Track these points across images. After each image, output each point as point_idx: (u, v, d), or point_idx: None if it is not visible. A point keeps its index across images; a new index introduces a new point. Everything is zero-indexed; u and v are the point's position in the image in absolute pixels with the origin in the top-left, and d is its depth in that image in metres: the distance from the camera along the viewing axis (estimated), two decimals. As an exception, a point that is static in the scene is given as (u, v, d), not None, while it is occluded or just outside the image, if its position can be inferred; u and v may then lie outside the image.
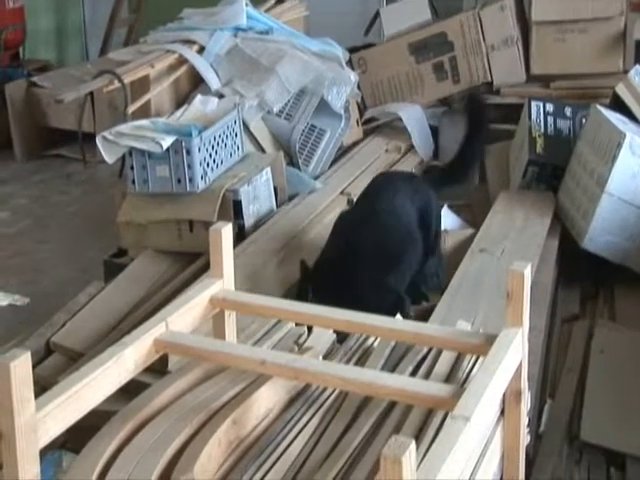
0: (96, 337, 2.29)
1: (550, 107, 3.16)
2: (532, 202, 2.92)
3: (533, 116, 3.12)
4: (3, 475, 1.24)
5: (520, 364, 1.46)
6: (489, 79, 3.70)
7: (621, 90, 2.94)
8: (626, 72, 3.23)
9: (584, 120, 3.05)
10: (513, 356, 1.42)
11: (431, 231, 2.52)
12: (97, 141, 2.69)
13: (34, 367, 2.21)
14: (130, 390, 1.49)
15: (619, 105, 2.92)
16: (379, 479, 1.05)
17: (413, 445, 1.04)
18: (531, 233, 2.71)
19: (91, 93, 3.27)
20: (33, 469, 1.25)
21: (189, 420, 1.39)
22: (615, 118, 2.76)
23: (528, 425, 1.58)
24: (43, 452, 1.29)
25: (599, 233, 2.67)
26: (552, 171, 2.99)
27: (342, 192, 3.08)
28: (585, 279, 2.78)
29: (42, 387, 1.34)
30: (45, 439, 1.27)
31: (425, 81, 3.76)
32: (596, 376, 2.19)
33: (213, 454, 1.33)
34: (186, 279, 2.51)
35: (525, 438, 1.54)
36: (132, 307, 2.45)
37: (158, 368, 1.76)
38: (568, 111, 3.16)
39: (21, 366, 1.21)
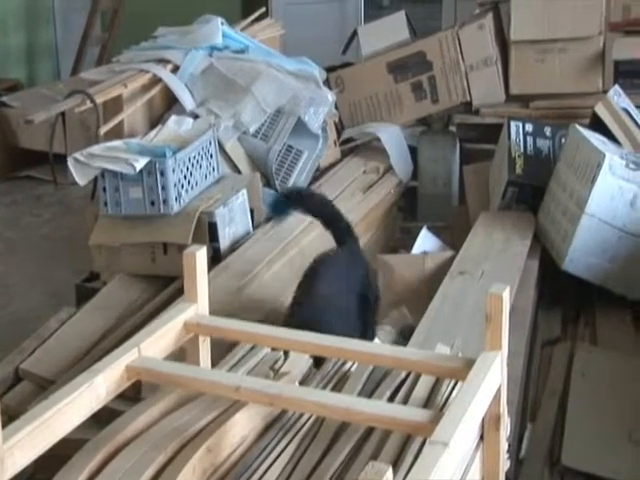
0: (67, 364, 2.25)
1: (529, 127, 3.16)
2: (512, 223, 2.91)
3: (512, 136, 3.11)
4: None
5: (499, 388, 1.44)
6: (468, 99, 3.69)
7: (600, 110, 2.94)
8: (605, 92, 3.24)
9: (564, 140, 3.05)
10: (492, 380, 1.41)
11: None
12: (68, 162, 2.65)
13: (2, 395, 2.17)
14: (102, 418, 1.47)
15: (598, 125, 2.92)
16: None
17: (390, 472, 1.04)
18: (511, 255, 2.70)
19: (62, 113, 3.21)
20: None
21: (163, 448, 1.36)
22: (594, 138, 2.76)
23: (508, 450, 1.56)
24: None
25: (579, 255, 2.66)
26: (532, 192, 2.99)
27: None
28: (566, 301, 2.76)
29: (10, 416, 1.31)
30: (12, 470, 1.24)
31: (404, 101, 3.74)
32: (577, 400, 2.18)
33: None
34: (160, 304, 2.47)
35: (505, 463, 1.52)
36: (104, 333, 2.41)
37: (131, 395, 1.73)
38: (548, 131, 3.16)
39: None
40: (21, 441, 1.25)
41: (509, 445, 1.56)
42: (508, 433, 1.53)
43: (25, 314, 3.01)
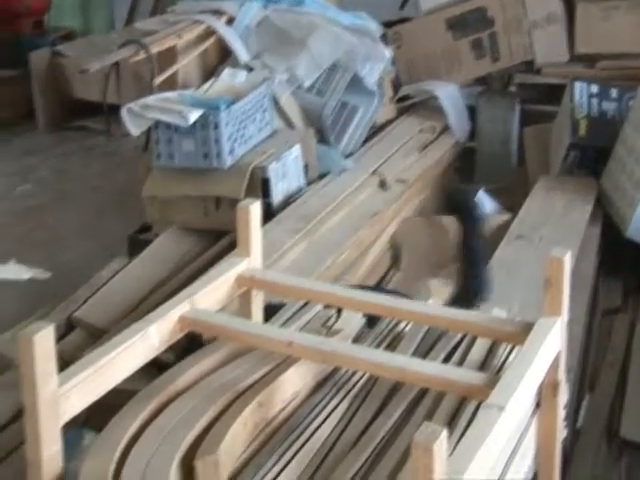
0: (119, 314, 2.26)
1: (595, 88, 3.05)
2: (573, 187, 2.84)
3: (576, 97, 3.01)
4: (25, 450, 1.23)
5: (558, 354, 1.41)
6: (530, 57, 3.57)
7: (671, 71, 2.82)
8: (677, 52, 3.11)
9: (631, 102, 2.94)
10: (551, 345, 1.38)
11: None
12: (122, 113, 2.65)
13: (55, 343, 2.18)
14: (153, 370, 1.48)
15: (669, 87, 2.80)
16: (409, 467, 1.04)
17: (445, 433, 1.01)
18: (571, 220, 2.64)
19: (116, 63, 3.20)
20: (55, 444, 1.24)
21: (214, 401, 1.36)
22: (664, 100, 2.65)
23: (565, 419, 1.53)
24: (64, 429, 1.26)
25: (645, 222, 2.57)
26: (595, 155, 2.89)
27: (374, 172, 3.00)
28: (628, 270, 2.68)
29: (65, 362, 1.31)
30: (68, 414, 1.26)
31: (463, 59, 3.64)
32: (638, 371, 2.13)
33: (238, 436, 1.30)
34: (211, 258, 2.47)
35: (562, 432, 1.50)
36: (156, 284, 2.41)
37: (182, 347, 1.71)
38: (614, 93, 3.05)
39: (45, 339, 1.20)
40: (77, 386, 1.26)
41: (566, 414, 1.54)
42: (565, 401, 1.51)
43: (77, 264, 3.02)
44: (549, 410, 1.44)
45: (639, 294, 2.59)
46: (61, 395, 1.23)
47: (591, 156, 2.91)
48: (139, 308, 2.25)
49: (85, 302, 2.33)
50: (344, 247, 2.46)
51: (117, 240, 2.93)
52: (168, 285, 2.36)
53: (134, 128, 2.64)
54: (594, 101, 3.03)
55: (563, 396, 1.46)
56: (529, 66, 3.59)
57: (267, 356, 1.47)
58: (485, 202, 2.91)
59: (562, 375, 1.43)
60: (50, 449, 1.22)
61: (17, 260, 3.09)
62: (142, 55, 2.85)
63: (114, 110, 3.06)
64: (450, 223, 2.68)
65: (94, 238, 3.27)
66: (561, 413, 1.46)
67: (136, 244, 2.70)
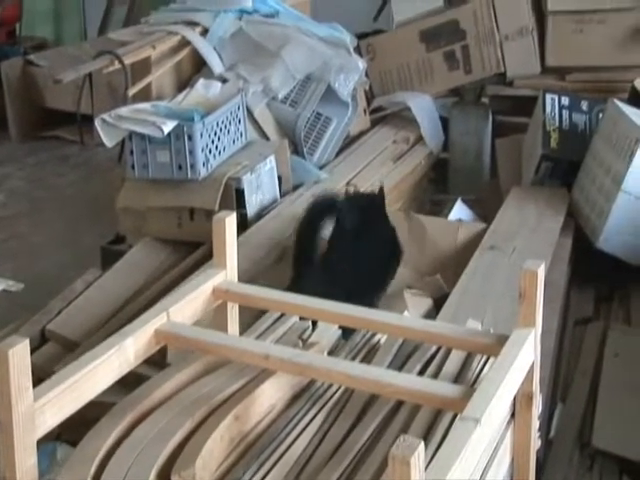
0: (92, 326, 2.25)
1: (565, 100, 3.09)
2: (545, 199, 2.86)
3: (547, 109, 3.04)
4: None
5: (532, 366, 1.42)
6: (502, 70, 3.61)
7: (640, 84, 2.87)
8: (646, 66, 3.16)
9: (601, 115, 2.98)
10: (525, 357, 1.38)
11: None
12: (96, 124, 2.63)
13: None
14: (128, 383, 1.45)
15: (637, 100, 2.85)
16: (386, 480, 1.00)
17: (422, 446, 1.01)
18: (544, 231, 2.65)
19: (89, 74, 3.18)
20: (30, 459, 1.22)
21: (190, 414, 1.35)
22: (633, 113, 2.69)
23: (538, 429, 1.53)
24: (38, 443, 1.25)
25: (614, 233, 2.61)
26: (567, 167, 2.93)
27: (348, 183, 3.01)
28: (599, 280, 2.71)
29: (37, 376, 1.29)
30: (43, 429, 1.25)
31: (435, 70, 3.67)
32: (610, 380, 2.14)
33: (215, 450, 1.29)
34: (186, 269, 2.46)
35: (536, 442, 1.50)
36: (130, 296, 2.40)
37: (156, 360, 1.72)
38: (584, 105, 3.09)
39: (19, 354, 1.19)
40: (52, 400, 1.25)
41: (539, 424, 1.54)
42: (539, 412, 1.50)
43: (50, 275, 3.00)
44: (523, 421, 1.44)
45: (610, 303, 2.63)
46: (36, 410, 1.22)
47: (562, 167, 2.94)
48: (113, 320, 2.24)
49: (58, 314, 2.31)
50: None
51: (90, 251, 2.91)
52: (142, 297, 2.35)
53: (108, 139, 2.63)
54: (565, 113, 3.06)
55: (537, 407, 1.46)
56: (501, 78, 3.64)
57: (243, 369, 1.47)
58: (462, 212, 2.92)
59: (536, 386, 1.44)
60: (25, 464, 1.21)
61: (-11, 272, 3.07)
62: (116, 66, 2.84)
63: (87, 120, 3.04)
64: (430, 225, 2.65)
65: (67, 249, 3.25)
66: (535, 424, 1.47)
67: (110, 255, 2.69)
